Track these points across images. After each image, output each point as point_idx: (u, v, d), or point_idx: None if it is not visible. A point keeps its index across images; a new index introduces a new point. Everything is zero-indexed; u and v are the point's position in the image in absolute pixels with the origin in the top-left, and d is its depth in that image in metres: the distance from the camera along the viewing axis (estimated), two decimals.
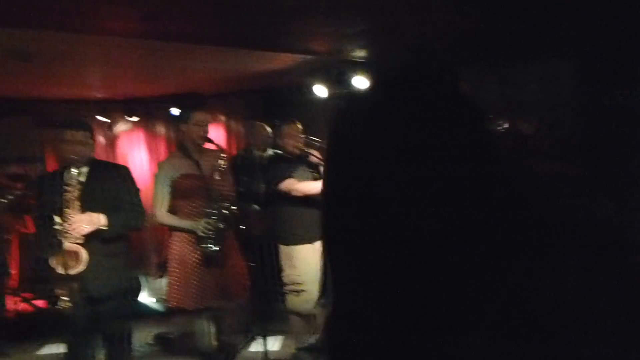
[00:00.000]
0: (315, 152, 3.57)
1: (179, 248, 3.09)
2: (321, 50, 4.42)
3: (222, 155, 3.10)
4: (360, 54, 4.53)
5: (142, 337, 4.49)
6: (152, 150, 7.05)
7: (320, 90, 5.01)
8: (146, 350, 4.30)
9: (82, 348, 2.86)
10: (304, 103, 5.49)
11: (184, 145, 3.19)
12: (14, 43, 3.71)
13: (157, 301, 5.13)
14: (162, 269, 5.37)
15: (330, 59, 4.63)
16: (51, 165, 6.20)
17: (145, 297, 5.06)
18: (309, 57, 4.65)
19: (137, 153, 6.94)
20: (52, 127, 6.14)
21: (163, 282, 5.23)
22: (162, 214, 3.12)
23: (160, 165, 3.22)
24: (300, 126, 3.64)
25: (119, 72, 5.00)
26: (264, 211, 4.26)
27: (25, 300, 5.58)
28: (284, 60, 4.86)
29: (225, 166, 3.07)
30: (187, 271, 3.06)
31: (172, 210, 3.14)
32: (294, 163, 3.59)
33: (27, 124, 6.13)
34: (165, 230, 6.38)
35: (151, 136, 7.05)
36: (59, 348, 4.39)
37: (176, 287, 3.12)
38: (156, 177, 3.18)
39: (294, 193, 3.51)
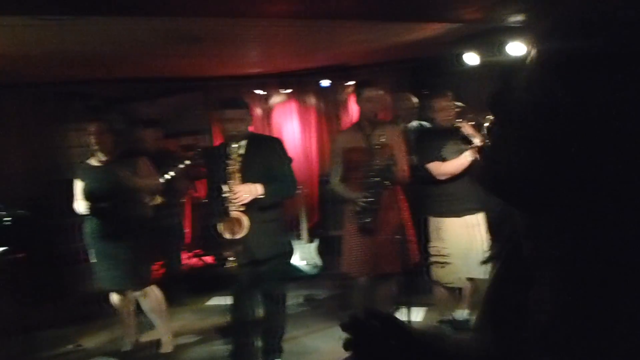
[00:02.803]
0: (466, 124, 3.46)
1: (346, 217, 3.28)
2: (473, 17, 4.21)
3: (383, 129, 3.16)
4: (515, 19, 4.22)
5: (294, 297, 4.85)
6: (303, 120, 7.40)
7: (472, 59, 4.78)
8: (297, 309, 4.65)
9: (243, 302, 3.19)
10: (455, 73, 5.31)
11: (359, 120, 3.33)
12: (186, 28, 4.15)
13: (307, 264, 5.47)
14: (312, 235, 5.71)
15: (483, 26, 4.40)
16: (217, 137, 6.87)
17: (297, 261, 5.43)
18: (460, 25, 4.47)
19: (290, 124, 7.34)
20: (215, 105, 6.81)
21: (312, 247, 5.58)
22: (335, 183, 3.31)
23: (335, 138, 3.43)
24: (451, 97, 3.53)
25: (275, 49, 5.31)
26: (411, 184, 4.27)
27: (197, 255, 6.35)
28: (433, 29, 4.73)
29: (384, 140, 3.13)
30: (349, 240, 3.24)
31: (344, 180, 3.30)
32: (443, 138, 3.52)
33: (197, 100, 6.84)
34: (317, 198, 6.81)
35: (302, 107, 7.39)
36: (225, 301, 4.96)
37: (344, 253, 3.32)
38: (331, 147, 3.38)
39: (440, 177, 3.46)
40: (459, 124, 3.46)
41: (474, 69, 5.03)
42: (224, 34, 4.46)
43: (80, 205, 3.60)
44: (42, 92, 6.22)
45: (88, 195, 3.55)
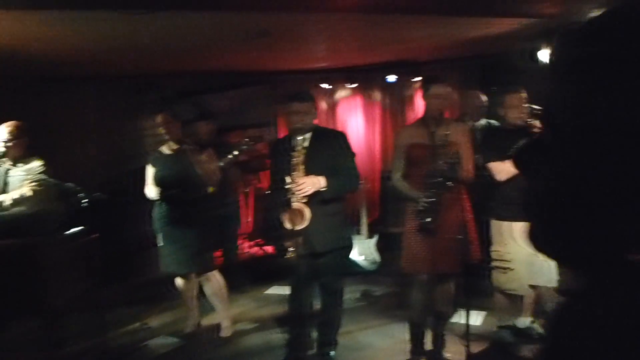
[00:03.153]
0: (538, 124, 3.31)
1: (407, 215, 3.22)
2: (550, 12, 4.03)
3: (448, 126, 3.06)
4: (592, 15, 4.00)
5: (351, 291, 4.87)
6: (367, 115, 7.37)
7: (547, 56, 4.57)
8: (354, 304, 4.66)
9: (301, 293, 3.24)
10: (527, 70, 5.10)
11: (425, 115, 3.25)
12: (255, 23, 4.23)
13: (366, 260, 5.46)
14: (371, 230, 5.70)
15: (558, 22, 4.19)
16: (282, 130, 6.98)
17: (356, 256, 5.43)
18: (534, 20, 4.29)
19: (354, 118, 7.34)
20: (282, 98, 6.92)
21: (371, 243, 5.57)
22: (396, 179, 3.25)
23: (398, 133, 3.37)
24: (524, 95, 3.38)
25: (342, 43, 5.31)
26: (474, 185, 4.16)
27: (258, 245, 6.51)
28: (505, 24, 4.57)
29: (448, 138, 3.03)
30: (408, 236, 3.19)
31: (406, 177, 3.25)
32: (512, 137, 3.39)
33: (263, 93, 6.97)
34: (378, 193, 6.78)
35: (367, 102, 7.36)
36: (284, 290, 5.06)
37: (403, 250, 3.28)
38: (395, 143, 3.32)
39: (501, 177, 3.34)
40: (530, 123, 3.32)
41: (547, 66, 4.81)
42: (292, 28, 4.52)
43: (151, 191, 3.78)
44: (119, 84, 6.57)
45: (158, 182, 3.72)
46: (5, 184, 3.75)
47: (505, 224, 3.38)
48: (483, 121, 4.69)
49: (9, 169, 3.75)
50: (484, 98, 4.67)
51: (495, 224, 3.47)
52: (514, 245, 3.34)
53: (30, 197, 3.64)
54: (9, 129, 3.71)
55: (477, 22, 4.53)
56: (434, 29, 4.77)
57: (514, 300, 3.54)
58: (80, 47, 4.72)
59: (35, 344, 3.84)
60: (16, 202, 3.59)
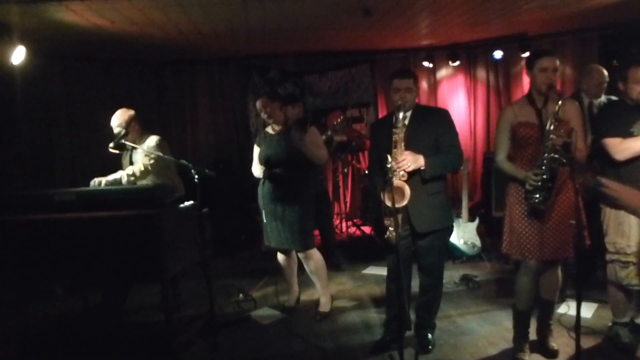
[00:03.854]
0: None
1: (511, 196, 3.07)
2: None
3: (559, 103, 2.84)
4: None
5: (451, 275, 4.76)
6: (471, 94, 7.08)
7: None
8: (452, 287, 4.56)
9: (398, 273, 3.21)
10: None
11: (530, 92, 3.07)
12: (362, 1, 4.20)
13: (464, 243, 5.30)
14: (472, 214, 5.51)
15: None
16: (382, 110, 6.93)
17: (455, 239, 5.29)
18: None
19: (457, 97, 7.08)
20: (383, 75, 6.85)
21: (472, 226, 5.39)
22: (501, 160, 3.09)
23: (502, 111, 3.19)
24: None
25: (445, 19, 5.13)
26: (591, 166, 3.85)
27: (355, 225, 6.56)
28: None
29: (561, 116, 2.82)
30: (515, 220, 3.03)
31: (510, 157, 3.10)
32: (634, 113, 3.08)
33: (365, 72, 6.94)
34: (480, 175, 6.52)
35: (472, 80, 7.06)
36: (381, 270, 5.08)
37: (505, 234, 3.13)
38: (498, 122, 3.16)
39: (620, 155, 3.04)
40: None
41: None
42: (394, 6, 4.43)
43: (257, 169, 3.95)
44: (228, 66, 6.88)
45: (263, 160, 3.87)
46: (132, 162, 4.11)
47: (626, 213, 3.09)
48: (604, 98, 4.31)
49: (132, 149, 4.10)
50: (605, 73, 4.27)
51: (611, 213, 3.18)
52: (637, 236, 3.06)
53: (145, 172, 3.96)
54: (122, 117, 4.00)
55: None
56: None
57: (632, 296, 3.26)
58: (197, 32, 5.00)
59: (156, 306, 4.23)
60: (137, 175, 3.93)
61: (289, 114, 5.05)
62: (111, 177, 3.95)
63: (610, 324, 3.40)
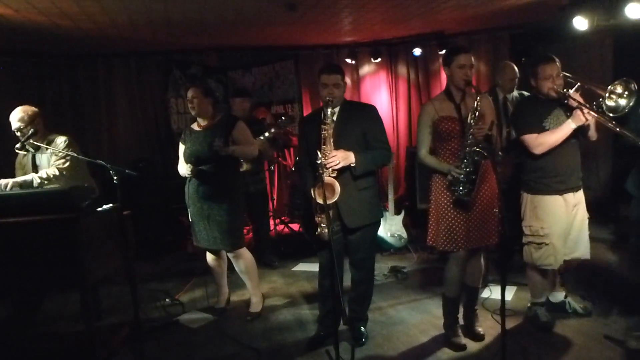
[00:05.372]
0: (575, 95, 3.19)
1: (436, 189, 3.16)
2: None
3: (477, 98, 2.97)
4: None
5: (379, 267, 4.85)
6: (392, 90, 7.26)
7: (581, 24, 4.37)
8: (382, 279, 4.65)
9: (331, 269, 3.21)
10: (561, 38, 4.93)
11: (448, 88, 3.16)
12: None
13: (392, 236, 5.43)
14: (399, 206, 5.65)
15: None
16: (306, 106, 6.93)
17: (382, 232, 5.40)
18: None
19: (379, 93, 7.23)
20: (308, 72, 6.85)
21: (398, 219, 5.53)
22: (423, 154, 3.17)
23: (423, 107, 3.27)
24: (558, 64, 3.25)
25: (368, 16, 5.20)
26: (507, 157, 4.06)
27: (283, 222, 6.52)
28: None
29: (479, 110, 2.95)
30: (440, 212, 3.12)
31: (432, 151, 3.18)
32: (546, 108, 3.28)
33: (289, 68, 6.90)
34: (403, 169, 6.71)
35: (393, 77, 7.24)
36: (311, 267, 5.08)
37: (431, 226, 3.22)
38: (419, 117, 3.23)
39: (537, 149, 3.23)
40: (565, 94, 3.20)
41: (584, 35, 4.63)
42: (318, 2, 4.43)
43: (182, 168, 3.79)
44: (150, 60, 6.57)
45: (188, 158, 3.72)
46: (36, 166, 3.79)
47: (540, 197, 3.29)
48: (516, 93, 4.57)
49: (35, 152, 3.79)
50: (516, 69, 4.52)
51: (528, 198, 3.38)
52: (550, 220, 3.26)
53: (63, 175, 3.68)
54: (24, 114, 3.69)
55: None
56: None
57: (547, 275, 3.48)
58: (106, 23, 4.72)
59: (75, 315, 3.95)
60: (50, 179, 3.64)
61: (236, 107, 4.92)
62: (20, 178, 3.64)
63: (528, 304, 3.61)
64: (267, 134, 4.61)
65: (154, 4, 4.16)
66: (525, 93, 4.39)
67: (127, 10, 4.33)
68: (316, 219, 3.09)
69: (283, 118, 4.89)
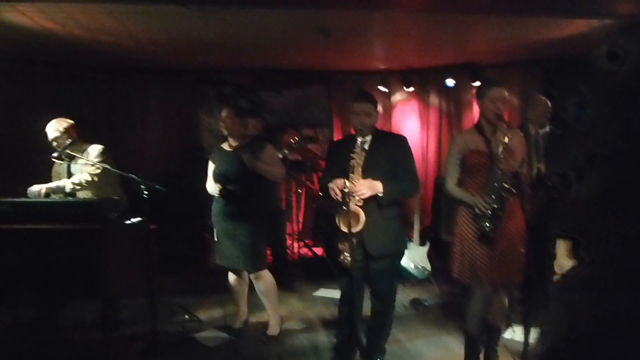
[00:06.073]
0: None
1: (461, 222, 3.11)
2: (619, 10, 3.80)
3: (508, 133, 2.93)
4: None
5: (401, 299, 4.76)
6: (423, 119, 7.22)
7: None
8: (402, 311, 4.56)
9: (352, 297, 3.17)
10: (595, 74, 4.83)
11: (479, 121, 3.14)
12: (321, 21, 4.22)
13: (415, 267, 5.34)
14: (423, 238, 5.57)
15: (630, 21, 3.96)
16: (337, 131, 6.95)
17: (406, 263, 5.32)
18: (607, 21, 4.07)
19: (410, 122, 7.21)
20: (340, 97, 6.89)
21: (423, 250, 5.44)
22: (450, 187, 3.14)
23: (453, 139, 3.25)
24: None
25: (401, 44, 5.23)
26: (537, 195, 3.98)
27: (307, 246, 6.50)
28: (577, 26, 4.36)
29: (509, 145, 2.91)
30: (465, 246, 3.07)
31: (460, 183, 3.16)
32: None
33: (321, 92, 6.96)
34: (431, 200, 6.63)
35: (425, 106, 7.21)
36: (332, 293, 5.02)
37: (455, 259, 3.16)
38: (449, 149, 3.21)
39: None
40: None
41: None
42: (352, 28, 4.48)
43: (211, 186, 3.83)
44: (181, 78, 6.72)
45: (216, 177, 3.76)
46: (70, 174, 3.91)
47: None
48: (547, 128, 4.49)
49: (70, 161, 3.91)
50: (549, 104, 4.45)
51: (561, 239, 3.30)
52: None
53: (92, 183, 3.77)
54: (61, 125, 3.86)
55: (543, 23, 4.35)
56: (497, 30, 4.61)
57: None
58: (145, 40, 4.86)
59: (94, 324, 3.99)
60: (82, 185, 3.73)
61: (249, 126, 4.97)
62: (53, 184, 3.75)
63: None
64: (280, 155, 4.58)
65: (193, 24, 4.27)
66: (558, 130, 4.32)
67: (167, 30, 4.46)
68: (340, 246, 3.07)
69: (296, 138, 4.87)
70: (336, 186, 2.97)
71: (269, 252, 5.52)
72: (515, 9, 3.96)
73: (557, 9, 3.90)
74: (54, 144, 3.86)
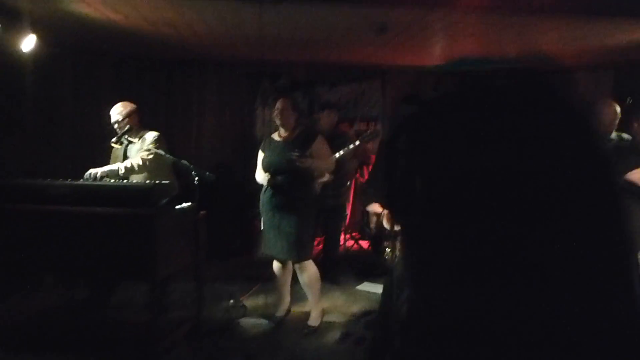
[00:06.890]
0: None
1: None
2: None
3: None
4: None
5: None
6: None
7: None
8: None
9: (393, 294, 3.15)
10: None
11: None
12: (376, 17, 4.18)
13: None
14: None
15: None
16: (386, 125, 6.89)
17: None
18: None
19: None
20: (394, 92, 6.82)
21: None
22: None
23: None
24: None
25: (460, 42, 5.10)
26: None
27: (353, 238, 6.49)
28: None
29: None
30: None
31: None
32: None
33: (375, 87, 6.92)
34: None
35: None
36: (375, 288, 4.99)
37: None
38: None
39: None
40: None
41: None
42: (409, 25, 4.41)
43: (260, 176, 3.91)
44: (239, 70, 6.86)
45: (266, 167, 3.83)
46: (126, 157, 4.08)
47: None
48: (614, 134, 4.25)
49: (128, 144, 4.08)
50: (617, 109, 4.22)
51: None
52: None
53: (144, 167, 3.91)
54: (124, 109, 4.01)
55: (613, 26, 4.13)
56: (565, 33, 4.42)
57: None
58: (211, 33, 4.99)
59: (143, 305, 4.16)
60: (134, 169, 3.89)
61: (323, 120, 5.03)
62: (107, 168, 3.92)
63: None
64: (351, 146, 4.61)
65: (250, 19, 4.34)
66: (625, 136, 4.09)
67: (225, 24, 4.56)
68: (384, 243, 3.06)
69: (368, 132, 4.89)
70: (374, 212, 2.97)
71: (320, 247, 5.57)
72: (586, 10, 3.79)
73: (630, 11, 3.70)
74: (115, 126, 4.03)
